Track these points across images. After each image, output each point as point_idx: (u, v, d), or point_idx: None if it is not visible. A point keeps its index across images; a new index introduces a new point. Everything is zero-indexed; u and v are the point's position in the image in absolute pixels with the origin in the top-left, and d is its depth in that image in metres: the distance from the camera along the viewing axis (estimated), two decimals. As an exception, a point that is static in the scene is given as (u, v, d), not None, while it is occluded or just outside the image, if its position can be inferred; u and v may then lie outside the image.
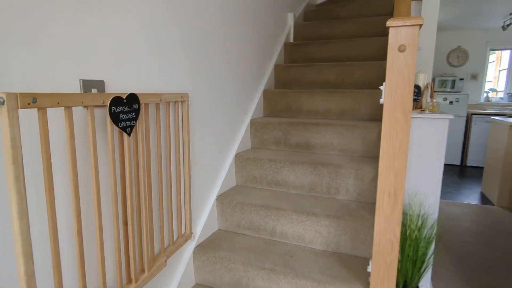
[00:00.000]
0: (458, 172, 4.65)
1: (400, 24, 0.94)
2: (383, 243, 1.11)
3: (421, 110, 1.74)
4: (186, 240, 1.46)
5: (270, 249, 1.53)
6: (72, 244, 0.93)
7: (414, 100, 1.73)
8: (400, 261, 1.49)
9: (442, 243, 2.40)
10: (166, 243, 1.36)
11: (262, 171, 1.84)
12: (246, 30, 1.94)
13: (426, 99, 1.74)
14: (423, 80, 1.78)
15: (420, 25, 0.92)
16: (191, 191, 1.52)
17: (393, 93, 1.00)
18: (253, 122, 2.06)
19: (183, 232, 1.47)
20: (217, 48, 1.63)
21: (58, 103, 0.78)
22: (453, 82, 5.21)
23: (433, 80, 5.25)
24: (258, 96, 2.20)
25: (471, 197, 3.51)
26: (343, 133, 1.86)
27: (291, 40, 2.85)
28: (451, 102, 4.96)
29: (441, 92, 5.14)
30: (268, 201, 1.65)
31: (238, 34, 1.84)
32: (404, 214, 1.52)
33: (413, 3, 2.05)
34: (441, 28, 5.17)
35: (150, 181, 1.18)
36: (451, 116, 1.53)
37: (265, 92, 2.27)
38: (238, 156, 1.88)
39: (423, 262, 1.47)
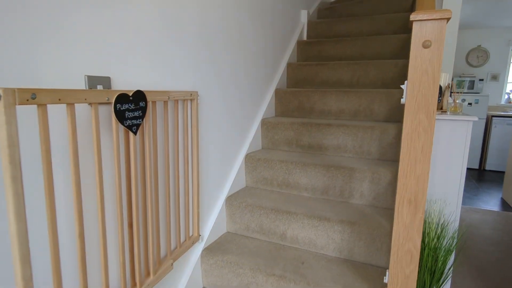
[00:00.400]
0: (477, 177, 4.48)
1: (426, 18, 0.86)
2: (402, 253, 1.03)
3: (442, 111, 1.65)
4: (193, 243, 1.42)
5: (280, 254, 1.47)
6: (74, 246, 0.89)
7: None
8: (418, 271, 1.41)
9: (462, 251, 2.29)
10: (173, 245, 1.32)
11: (273, 173, 1.78)
12: (258, 27, 1.89)
13: (447, 99, 1.65)
14: (444, 79, 1.69)
15: (448, 19, 0.84)
16: (200, 192, 1.47)
17: (416, 92, 0.93)
18: (264, 122, 2.01)
19: (190, 234, 1.42)
20: (228, 46, 1.58)
21: (59, 99, 0.74)
22: (472, 82, 5.03)
23: (451, 80, 5.07)
24: (269, 95, 2.14)
25: (491, 203, 3.36)
26: (357, 135, 1.78)
27: (305, 38, 2.78)
28: (469, 104, 4.79)
29: (463, 93, 4.96)
30: (279, 204, 1.59)
31: (250, 31, 1.79)
32: (423, 221, 1.44)
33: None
34: (460, 27, 5.00)
35: (157, 182, 1.14)
36: (475, 118, 1.44)
37: (277, 91, 2.21)
38: (248, 157, 1.83)
39: (442, 273, 1.39)
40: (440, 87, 1.67)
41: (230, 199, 1.66)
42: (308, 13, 2.78)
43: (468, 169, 4.95)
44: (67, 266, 0.87)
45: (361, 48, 2.42)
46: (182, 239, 1.36)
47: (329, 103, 2.08)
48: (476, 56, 5.18)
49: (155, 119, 1.10)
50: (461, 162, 1.51)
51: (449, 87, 1.65)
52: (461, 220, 2.86)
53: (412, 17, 0.89)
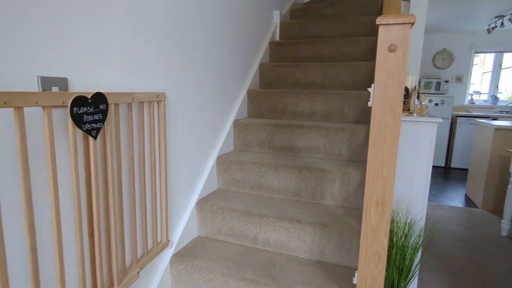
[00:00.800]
0: (443, 174, 4.68)
1: (391, 22, 0.87)
2: (370, 255, 1.05)
3: (409, 113, 1.69)
4: (162, 249, 1.37)
5: (251, 257, 1.45)
6: (26, 260, 0.83)
7: (403, 102, 1.68)
8: (386, 269, 1.43)
9: (429, 248, 2.38)
10: (139, 253, 1.26)
11: (245, 175, 1.76)
12: (228, 27, 1.86)
13: (414, 101, 1.70)
14: (411, 82, 1.74)
15: (412, 24, 0.85)
16: (169, 196, 1.43)
17: (382, 95, 0.93)
18: (236, 123, 1.98)
19: (159, 240, 1.37)
20: (199, 46, 1.54)
21: (5, 103, 0.68)
22: (438, 84, 5.25)
23: (419, 82, 5.27)
24: (242, 96, 2.12)
25: (455, 200, 3.52)
26: (329, 136, 1.80)
27: (277, 38, 2.77)
28: (436, 104, 5.00)
29: (429, 94, 5.17)
30: (251, 207, 1.57)
31: (220, 31, 1.75)
32: (391, 221, 1.47)
33: (401, 3, 2.00)
34: (426, 30, 5.21)
35: (121, 187, 1.08)
36: (440, 120, 1.49)
37: (249, 92, 2.19)
38: (220, 159, 1.80)
39: (409, 270, 1.42)
40: (407, 89, 1.71)
41: (201, 202, 1.62)
42: (281, 14, 2.78)
43: (434, 167, 5.16)
44: (17, 282, 0.81)
45: (334, 49, 2.45)
46: (149, 246, 1.31)
47: (301, 104, 2.09)
48: (441, 58, 5.41)
49: (117, 123, 1.04)
50: (427, 163, 1.55)
51: (415, 89, 1.69)
52: (428, 217, 2.98)
53: (378, 21, 0.90)
